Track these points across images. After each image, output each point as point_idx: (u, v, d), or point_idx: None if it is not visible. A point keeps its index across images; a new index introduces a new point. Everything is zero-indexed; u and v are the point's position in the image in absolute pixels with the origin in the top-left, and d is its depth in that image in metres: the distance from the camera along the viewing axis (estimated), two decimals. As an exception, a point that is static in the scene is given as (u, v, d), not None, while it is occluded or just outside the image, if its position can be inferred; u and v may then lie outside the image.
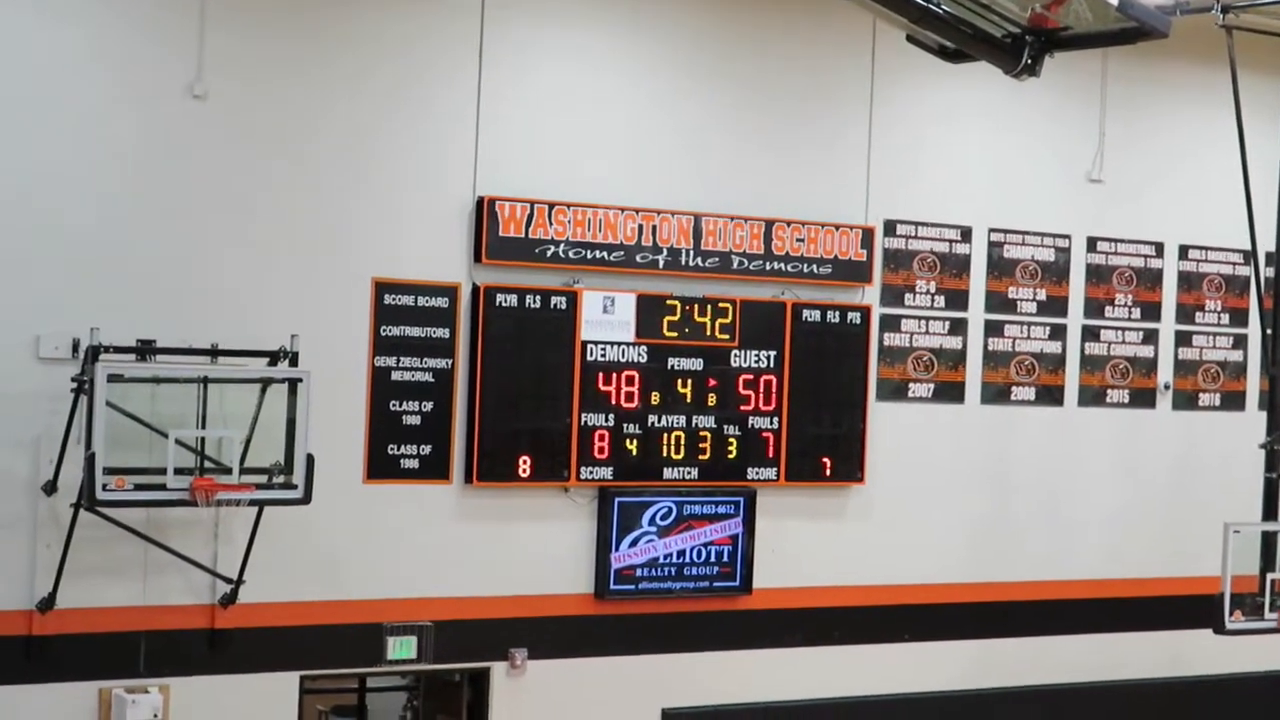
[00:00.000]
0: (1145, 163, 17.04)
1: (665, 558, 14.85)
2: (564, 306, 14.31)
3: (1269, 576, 14.66)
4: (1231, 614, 14.45)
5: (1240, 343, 17.57)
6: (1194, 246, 17.33)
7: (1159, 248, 17.19)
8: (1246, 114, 14.67)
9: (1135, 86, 16.89)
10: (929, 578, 16.07)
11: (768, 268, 15.12)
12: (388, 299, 13.75)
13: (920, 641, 16.02)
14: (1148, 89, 16.99)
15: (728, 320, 14.94)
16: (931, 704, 16.01)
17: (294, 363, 12.80)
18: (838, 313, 15.43)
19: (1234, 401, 17.58)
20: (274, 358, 12.84)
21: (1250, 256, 15.25)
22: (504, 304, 14.08)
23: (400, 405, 13.82)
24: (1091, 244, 16.83)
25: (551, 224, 14.24)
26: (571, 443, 14.36)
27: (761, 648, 15.31)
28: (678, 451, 14.79)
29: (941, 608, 16.11)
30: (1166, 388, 17.23)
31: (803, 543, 15.44)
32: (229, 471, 12.49)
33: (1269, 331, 15.48)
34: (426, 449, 13.92)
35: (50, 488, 12.55)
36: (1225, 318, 17.52)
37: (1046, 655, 16.58)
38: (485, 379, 14.03)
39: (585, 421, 14.42)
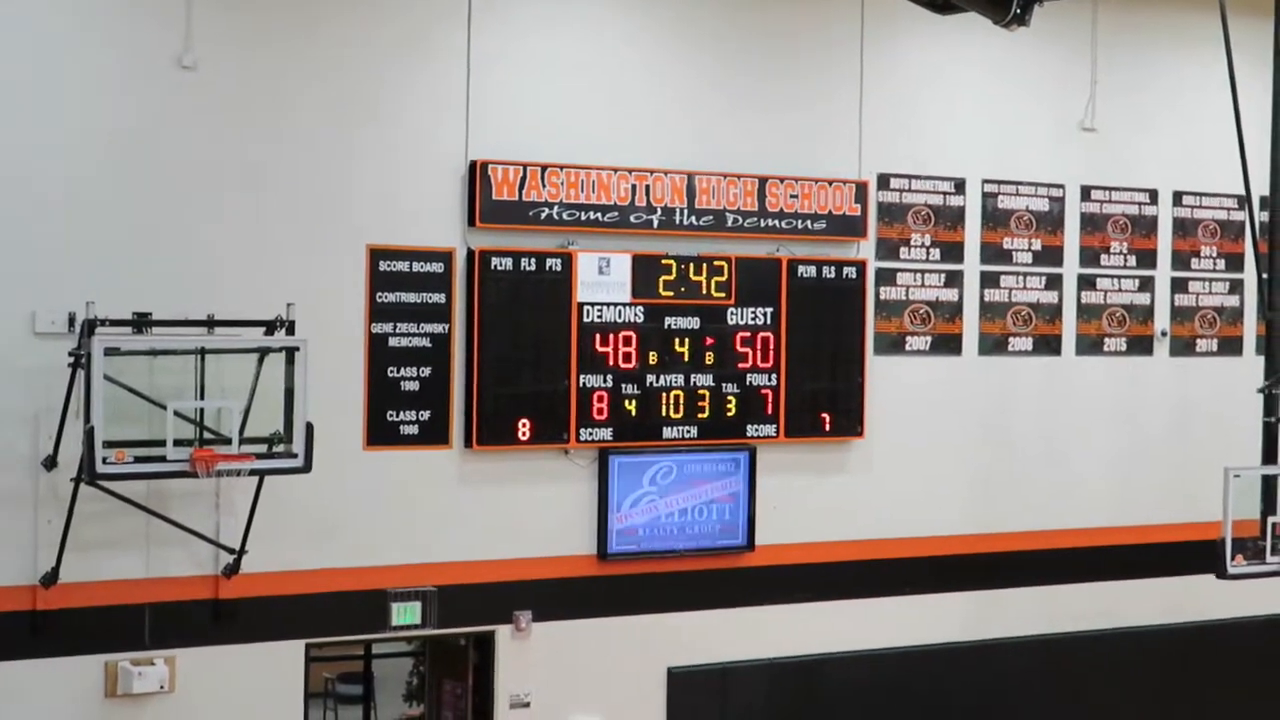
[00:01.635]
0: (1138, 109, 17.02)
1: (667, 517, 14.86)
2: (559, 269, 14.29)
3: (1270, 520, 14.64)
4: (1233, 558, 14.45)
5: (1236, 288, 17.58)
6: (1188, 192, 17.32)
7: (1153, 194, 17.18)
8: (1237, 57, 14.60)
9: (1126, 33, 16.87)
10: (930, 530, 16.09)
11: (762, 224, 15.09)
12: (383, 265, 13.72)
13: (923, 594, 16.04)
14: (1138, 35, 16.98)
15: (723, 278, 14.92)
16: (936, 655, 16.07)
17: (290, 331, 12.76)
18: (833, 268, 15.41)
19: (1231, 347, 17.59)
20: (270, 327, 12.81)
21: (1245, 201, 15.24)
22: (499, 267, 14.06)
23: (398, 371, 13.81)
24: (1085, 192, 16.82)
25: (545, 186, 14.20)
26: (570, 405, 14.35)
27: (766, 604, 15.33)
28: (676, 411, 14.78)
29: (943, 559, 16.14)
30: (1164, 334, 17.24)
31: (804, 498, 15.46)
32: (228, 442, 12.46)
33: (1264, 276, 15.43)
34: (425, 414, 13.91)
35: (50, 463, 12.54)
36: (1221, 263, 17.52)
37: (1049, 605, 16.63)
38: (482, 343, 14.01)
39: (583, 383, 14.40)
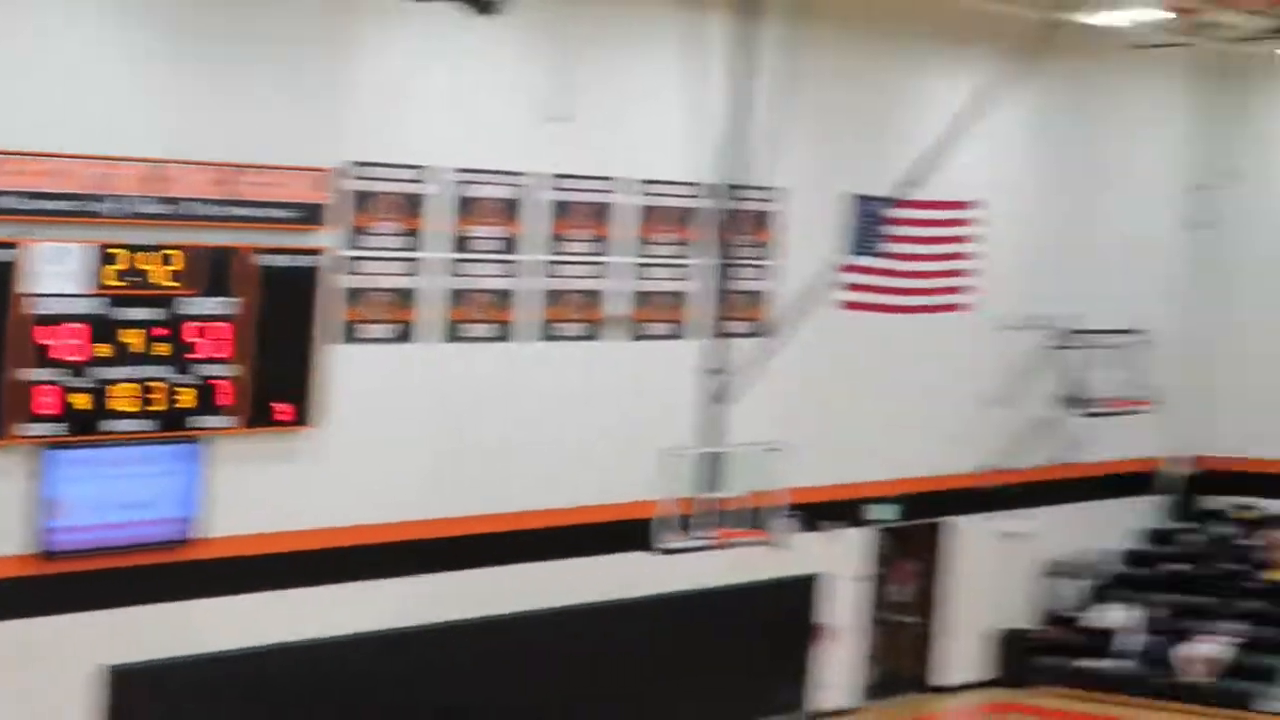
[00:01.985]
0: (608, 101, 17.15)
1: (114, 512, 14.33)
2: (7, 259, 13.50)
3: (702, 497, 15.32)
4: (667, 534, 15.08)
5: (693, 273, 17.91)
6: (652, 181, 17.55)
7: (618, 183, 17.35)
8: (700, 53, 14.88)
9: (599, 27, 16.99)
10: (386, 517, 16.04)
11: (227, 213, 14.63)
12: None
13: (376, 579, 15.96)
14: (611, 29, 17.13)
15: (179, 268, 14.40)
16: (387, 640, 16.00)
17: None
18: (297, 256, 15.08)
19: (683, 331, 17.95)
20: None
21: (702, 189, 15.64)
22: (-59, 259, 13.26)
23: None
24: (553, 181, 16.86)
25: (-1, 174, 13.41)
26: (11, 399, 13.63)
27: (214, 596, 15.01)
28: (128, 404, 14.25)
29: (397, 545, 16.11)
30: (618, 319, 17.48)
31: (258, 489, 15.14)
32: None
33: (719, 262, 15.88)
34: None
35: None
36: (678, 250, 17.83)
37: (500, 585, 16.76)
38: (-83, 336, 13.22)
39: (26, 376, 13.70)
